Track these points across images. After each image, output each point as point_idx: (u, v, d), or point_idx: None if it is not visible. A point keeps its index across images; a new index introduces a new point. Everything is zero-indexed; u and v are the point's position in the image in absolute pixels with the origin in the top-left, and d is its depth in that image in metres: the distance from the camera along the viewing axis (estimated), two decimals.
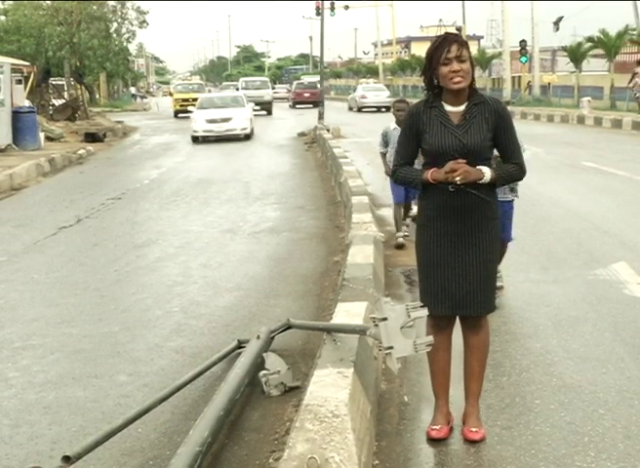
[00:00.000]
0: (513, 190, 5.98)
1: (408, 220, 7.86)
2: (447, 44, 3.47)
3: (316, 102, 35.70)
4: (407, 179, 3.68)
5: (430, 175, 3.52)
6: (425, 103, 3.65)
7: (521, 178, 3.82)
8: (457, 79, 3.48)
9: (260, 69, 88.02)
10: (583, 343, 5.03)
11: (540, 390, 4.29)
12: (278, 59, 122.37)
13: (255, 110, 36.30)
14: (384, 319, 3.55)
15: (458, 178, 3.43)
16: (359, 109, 38.94)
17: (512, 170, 3.64)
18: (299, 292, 6.52)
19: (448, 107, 3.58)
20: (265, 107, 37.41)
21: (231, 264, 7.75)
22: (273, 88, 47.46)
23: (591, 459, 3.51)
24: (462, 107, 3.57)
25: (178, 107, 37.86)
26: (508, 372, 4.57)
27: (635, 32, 35.06)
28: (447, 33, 3.68)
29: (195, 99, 32.54)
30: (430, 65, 3.54)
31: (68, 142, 21.54)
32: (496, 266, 3.79)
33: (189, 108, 33.27)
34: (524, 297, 6.09)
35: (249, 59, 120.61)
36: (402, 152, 3.71)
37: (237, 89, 42.02)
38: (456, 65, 3.46)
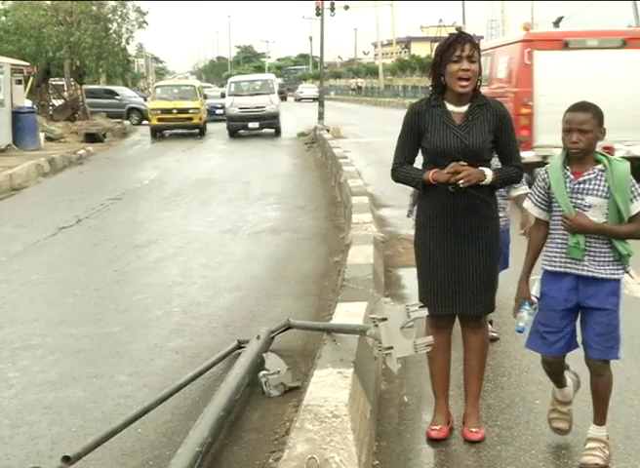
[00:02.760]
0: (620, 260, 3.36)
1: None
2: (460, 42, 3.46)
3: (283, 97, 53.37)
4: (407, 179, 3.67)
5: (432, 175, 3.52)
6: (428, 102, 3.64)
7: (519, 181, 3.86)
8: (464, 83, 3.48)
9: (260, 69, 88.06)
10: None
11: (539, 390, 4.29)
12: (278, 60, 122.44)
13: (253, 129, 25.21)
14: (384, 319, 3.55)
15: (461, 182, 3.43)
16: (299, 100, 57.75)
17: (512, 172, 3.65)
18: (299, 293, 6.52)
19: (450, 107, 3.58)
20: (270, 124, 25.25)
21: (231, 264, 7.75)
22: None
23: None
24: (465, 108, 3.57)
25: (155, 123, 25.21)
26: (508, 372, 4.57)
27: None
28: (461, 32, 3.67)
29: (184, 112, 25.10)
30: (441, 62, 3.53)
31: (68, 143, 21.53)
32: (495, 266, 3.78)
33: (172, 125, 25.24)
34: None
35: (249, 60, 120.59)
36: (402, 151, 3.70)
37: (222, 95, 29.45)
38: (466, 64, 3.45)
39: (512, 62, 10.80)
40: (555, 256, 3.42)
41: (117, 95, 33.17)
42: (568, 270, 3.39)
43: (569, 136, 3.32)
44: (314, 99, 56.02)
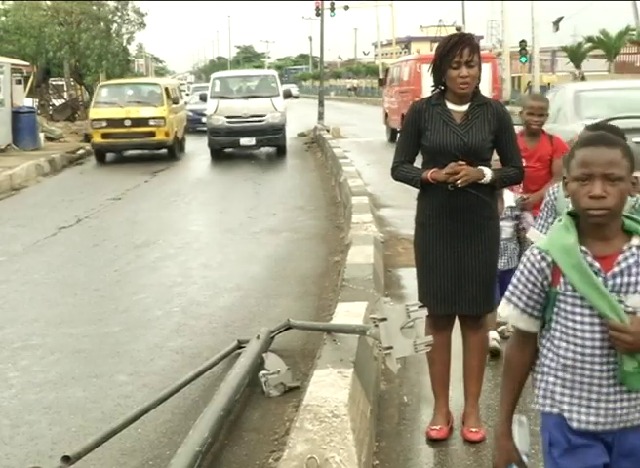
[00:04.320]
0: None
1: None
2: (460, 47, 3.45)
3: None
4: (406, 178, 3.68)
5: (430, 175, 3.52)
6: (429, 101, 3.65)
7: (519, 182, 3.83)
8: (463, 85, 3.48)
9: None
10: None
11: None
12: (278, 60, 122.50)
13: (247, 147, 17.54)
14: (384, 319, 3.55)
15: (459, 182, 3.43)
16: None
17: (512, 172, 3.65)
18: (298, 293, 6.52)
19: (451, 106, 3.59)
20: (271, 140, 17.56)
21: (231, 264, 7.76)
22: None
23: None
24: (466, 107, 3.58)
25: (99, 140, 17.19)
26: None
27: (635, 33, 35.17)
28: (461, 34, 3.67)
29: (141, 123, 16.94)
30: (441, 65, 3.53)
31: (68, 142, 21.51)
32: (495, 266, 3.78)
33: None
34: None
35: (249, 60, 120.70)
36: (402, 150, 3.71)
37: (202, 98, 19.38)
38: (465, 71, 3.45)
39: (410, 71, 19.73)
40: (588, 407, 2.05)
41: None
42: (614, 426, 2.06)
43: (587, 186, 2.01)
44: (295, 97, 68.25)
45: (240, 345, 4.82)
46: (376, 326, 3.63)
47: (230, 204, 11.63)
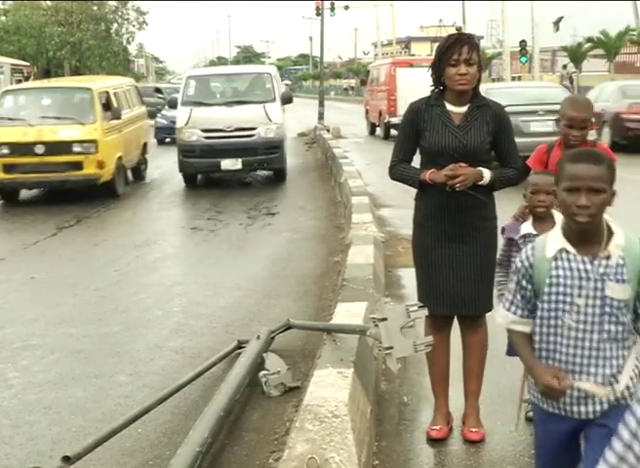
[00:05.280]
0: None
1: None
2: (458, 45, 3.45)
3: None
4: (404, 177, 3.68)
5: (428, 176, 3.52)
6: (428, 101, 3.65)
7: (518, 183, 3.80)
8: (462, 81, 3.48)
9: None
10: None
11: None
12: (278, 60, 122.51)
13: (231, 171, 12.89)
14: (384, 319, 3.55)
15: (458, 186, 3.43)
16: None
17: (511, 173, 3.65)
18: (298, 293, 6.52)
19: (450, 107, 3.58)
20: (265, 161, 12.83)
21: (231, 264, 7.76)
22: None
23: None
24: (465, 108, 3.57)
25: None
26: (508, 372, 4.56)
27: (635, 33, 35.18)
28: (460, 33, 3.69)
29: (60, 149, 11.20)
30: (440, 64, 3.53)
31: None
32: (493, 265, 3.78)
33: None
34: None
35: (249, 60, 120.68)
36: (401, 149, 3.71)
37: (171, 105, 13.82)
38: (463, 68, 3.45)
39: (387, 74, 22.49)
40: None
41: (163, 92, 28.23)
42: None
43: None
44: None
45: (240, 345, 4.82)
46: (376, 326, 3.63)
47: (230, 203, 11.62)
